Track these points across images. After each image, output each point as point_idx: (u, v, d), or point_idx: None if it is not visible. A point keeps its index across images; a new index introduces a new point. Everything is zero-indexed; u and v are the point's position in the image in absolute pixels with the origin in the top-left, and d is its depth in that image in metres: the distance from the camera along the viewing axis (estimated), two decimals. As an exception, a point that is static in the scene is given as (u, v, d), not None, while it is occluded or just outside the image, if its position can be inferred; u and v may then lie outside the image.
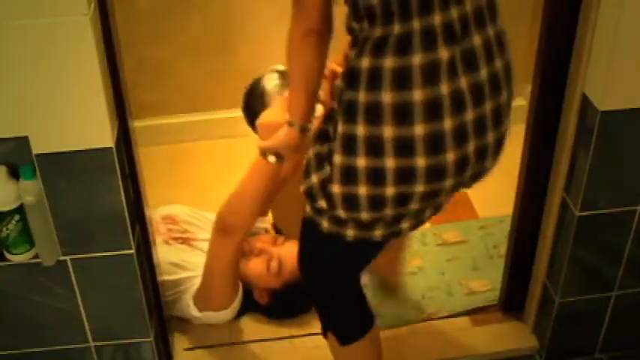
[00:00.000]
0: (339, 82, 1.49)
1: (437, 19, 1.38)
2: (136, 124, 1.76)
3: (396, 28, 1.37)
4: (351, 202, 1.50)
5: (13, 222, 1.61)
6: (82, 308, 1.80)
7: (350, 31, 1.47)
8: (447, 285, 2.35)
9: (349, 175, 1.47)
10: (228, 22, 2.84)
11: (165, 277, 2.17)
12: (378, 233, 1.56)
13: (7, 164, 1.58)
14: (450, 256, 2.45)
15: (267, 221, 2.38)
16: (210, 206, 2.55)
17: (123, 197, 1.64)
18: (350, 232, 1.56)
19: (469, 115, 1.44)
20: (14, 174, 1.59)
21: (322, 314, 1.82)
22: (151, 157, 2.52)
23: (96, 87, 1.49)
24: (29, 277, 1.73)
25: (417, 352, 2.15)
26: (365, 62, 1.41)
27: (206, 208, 2.50)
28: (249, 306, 2.22)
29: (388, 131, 1.41)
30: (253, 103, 2.13)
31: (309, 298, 2.13)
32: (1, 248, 1.68)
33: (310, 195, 1.57)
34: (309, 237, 1.68)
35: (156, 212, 2.41)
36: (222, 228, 2.00)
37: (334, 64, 1.77)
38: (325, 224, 1.58)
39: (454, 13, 1.40)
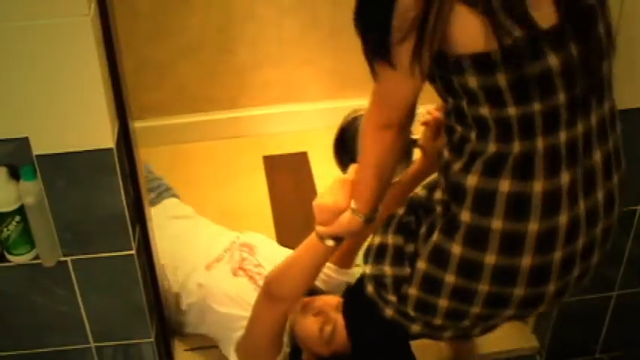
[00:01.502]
0: (439, 194, 1.33)
1: (562, 136, 1.21)
2: (137, 125, 1.76)
3: (516, 147, 1.20)
4: (426, 308, 1.39)
5: (14, 223, 1.61)
6: (82, 309, 1.80)
7: (448, 130, 1.30)
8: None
9: (432, 286, 1.36)
10: (228, 22, 2.84)
11: (216, 307, 2.09)
12: (446, 335, 1.46)
13: (7, 165, 1.58)
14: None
15: (352, 275, 2.14)
16: (211, 207, 2.56)
17: (123, 198, 1.64)
18: (415, 328, 1.46)
19: (579, 244, 1.30)
20: (15, 175, 1.58)
21: None
22: (151, 157, 2.53)
23: (96, 87, 1.49)
24: (30, 278, 1.73)
25: (417, 352, 2.14)
26: (472, 180, 1.24)
27: (207, 208, 2.50)
28: None
29: (490, 259, 1.27)
30: (349, 141, 1.90)
31: None
32: (1, 249, 1.67)
33: (379, 283, 1.46)
34: (365, 314, 1.57)
35: (240, 236, 2.30)
36: (267, 294, 1.84)
37: (435, 110, 1.66)
38: (390, 312, 1.46)
39: (580, 128, 1.23)
